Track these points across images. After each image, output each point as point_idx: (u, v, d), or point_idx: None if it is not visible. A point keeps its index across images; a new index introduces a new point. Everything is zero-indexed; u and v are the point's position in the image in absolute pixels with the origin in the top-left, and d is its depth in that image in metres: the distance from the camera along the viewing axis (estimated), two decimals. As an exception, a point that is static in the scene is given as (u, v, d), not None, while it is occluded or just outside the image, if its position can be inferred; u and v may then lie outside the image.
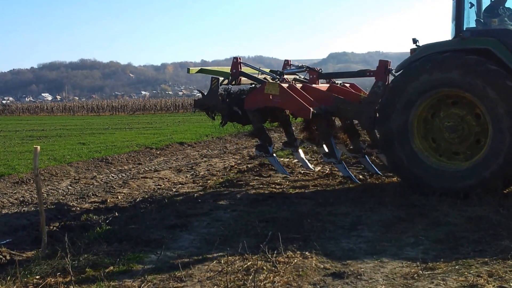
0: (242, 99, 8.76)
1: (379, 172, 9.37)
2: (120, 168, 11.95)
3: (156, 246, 5.59)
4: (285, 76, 9.24)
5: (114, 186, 9.58)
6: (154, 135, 20.13)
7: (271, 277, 4.55)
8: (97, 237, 5.86)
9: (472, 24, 8.11)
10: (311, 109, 8.02)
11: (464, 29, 7.88)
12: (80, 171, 11.53)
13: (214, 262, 5.10)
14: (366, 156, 9.51)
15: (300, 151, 9.56)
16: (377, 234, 5.89)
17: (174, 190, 9.17)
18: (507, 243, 5.18)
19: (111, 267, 4.98)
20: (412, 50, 8.15)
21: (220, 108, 8.92)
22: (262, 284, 4.41)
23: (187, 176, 10.59)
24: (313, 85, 9.19)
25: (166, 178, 10.36)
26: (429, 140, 7.86)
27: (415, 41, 8.12)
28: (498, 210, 6.34)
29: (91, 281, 4.69)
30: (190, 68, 9.54)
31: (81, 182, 10.17)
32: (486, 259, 4.84)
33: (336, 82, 9.81)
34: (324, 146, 8.79)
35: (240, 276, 4.63)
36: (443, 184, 7.39)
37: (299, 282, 4.50)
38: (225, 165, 11.78)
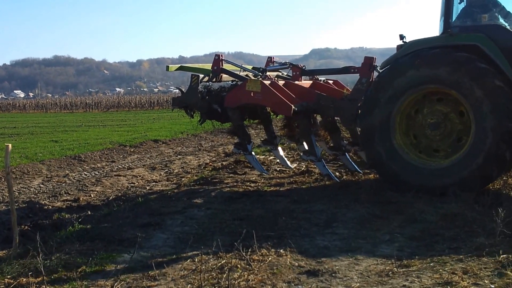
0: (222, 96, 8.68)
1: (358, 169, 9.39)
2: (93, 166, 11.79)
3: (129, 245, 5.51)
4: (268, 73, 9.20)
5: (87, 184, 9.45)
6: (128, 132, 19.95)
7: (246, 275, 4.52)
8: (69, 236, 5.77)
9: (461, 20, 8.04)
10: (292, 106, 7.99)
11: (453, 25, 7.85)
12: (53, 169, 11.35)
13: (188, 260, 5.05)
14: (346, 153, 9.52)
15: (280, 149, 9.55)
16: (352, 232, 5.89)
17: (147, 188, 9.08)
18: (482, 240, 5.22)
19: (84, 267, 4.90)
20: (399, 46, 8.10)
21: (199, 106, 8.84)
22: (236, 282, 4.38)
23: (161, 174, 10.50)
24: (296, 82, 9.15)
25: (139, 176, 10.26)
26: (410, 136, 7.85)
27: (402, 37, 8.05)
28: (474, 207, 6.39)
29: (63, 281, 4.62)
30: (170, 65, 9.46)
31: (54, 180, 10.01)
32: (461, 256, 4.86)
33: (319, 78, 9.79)
34: (304, 143, 8.77)
35: (214, 275, 4.59)
36: (420, 181, 7.40)
37: (273, 280, 4.48)
38: (200, 163, 11.71)
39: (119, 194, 8.57)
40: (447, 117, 7.62)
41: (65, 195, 8.65)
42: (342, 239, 5.62)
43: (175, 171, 10.79)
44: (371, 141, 7.86)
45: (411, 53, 7.72)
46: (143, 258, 5.15)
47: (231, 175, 9.65)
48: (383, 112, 7.74)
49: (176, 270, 4.82)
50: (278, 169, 10.03)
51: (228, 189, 8.51)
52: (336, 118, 9.26)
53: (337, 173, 9.28)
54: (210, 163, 11.33)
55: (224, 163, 11.04)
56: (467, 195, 6.84)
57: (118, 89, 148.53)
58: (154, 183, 9.57)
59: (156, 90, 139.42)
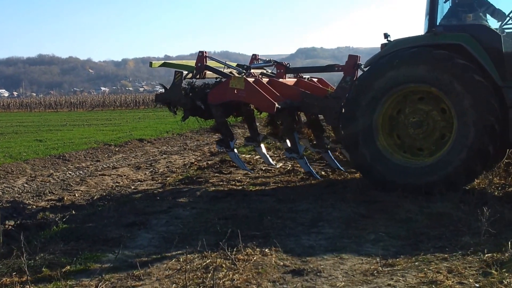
0: (206, 93, 8.66)
1: (341, 168, 9.41)
2: (78, 165, 11.71)
3: (114, 244, 5.46)
4: (252, 71, 9.18)
5: (71, 184, 9.38)
6: (113, 131, 19.83)
7: (231, 275, 4.51)
8: (53, 236, 5.72)
9: (446, 19, 8.08)
10: (276, 104, 7.99)
11: (438, 24, 7.88)
12: (37, 168, 11.25)
13: (173, 260, 5.02)
14: (329, 151, 9.54)
15: (262, 146, 9.54)
16: (338, 231, 5.89)
17: (132, 187, 9.03)
18: (467, 239, 5.24)
19: (68, 267, 4.85)
20: (383, 45, 8.11)
21: (182, 103, 8.80)
22: (221, 282, 4.36)
23: (146, 173, 10.45)
24: (280, 80, 9.15)
25: (124, 175, 10.20)
26: (394, 136, 7.87)
27: (386, 36, 8.06)
28: (459, 206, 6.41)
29: (47, 280, 4.57)
30: (153, 62, 9.40)
31: (38, 179, 9.92)
32: (446, 255, 4.87)
33: (304, 76, 9.80)
34: (287, 141, 8.78)
35: (199, 274, 4.57)
36: (406, 180, 7.41)
37: (258, 280, 4.46)
38: (185, 162, 11.68)
39: (104, 194, 8.51)
40: (429, 115, 7.65)
41: (49, 194, 8.57)
42: (327, 239, 5.62)
43: (160, 170, 10.74)
44: (355, 144, 7.86)
45: (391, 53, 7.75)
46: (127, 258, 5.10)
47: (216, 174, 9.63)
48: (366, 115, 7.74)
49: (161, 270, 4.79)
50: (263, 168, 10.02)
51: (213, 188, 8.48)
52: (320, 116, 9.28)
53: (322, 172, 9.29)
54: (196, 163, 11.29)
55: (209, 162, 11.01)
56: (453, 194, 6.88)
57: (103, 88, 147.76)
58: (139, 182, 9.52)
59: (141, 89, 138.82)
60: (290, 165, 10.07)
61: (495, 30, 7.77)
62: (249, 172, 9.38)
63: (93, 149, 14.15)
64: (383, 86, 7.64)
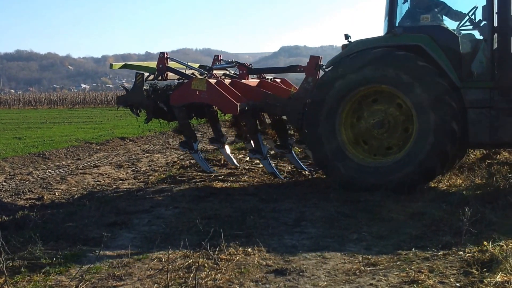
0: (168, 95, 8.63)
1: (305, 167, 9.48)
2: (58, 163, 11.58)
3: (95, 244, 5.40)
4: (214, 72, 9.18)
5: (51, 182, 9.27)
6: (94, 129, 19.65)
7: (213, 275, 4.49)
8: (32, 236, 5.61)
9: (405, 21, 8.20)
10: (238, 105, 7.99)
11: (397, 25, 7.99)
12: (16, 166, 11.10)
13: (155, 260, 4.99)
14: (293, 152, 9.59)
15: (227, 147, 9.56)
16: (321, 230, 5.91)
17: (114, 186, 8.95)
18: (448, 239, 5.28)
19: (48, 267, 4.79)
20: (344, 46, 8.20)
21: (145, 105, 8.75)
22: (203, 281, 4.34)
23: (128, 172, 10.37)
24: (243, 81, 9.16)
25: (106, 174, 10.11)
26: (361, 143, 7.94)
27: (347, 36, 8.16)
28: (441, 206, 6.46)
29: (26, 281, 4.51)
30: (113, 63, 9.39)
31: (17, 178, 9.79)
32: (428, 255, 4.91)
33: (267, 77, 9.81)
34: (251, 141, 8.80)
35: (181, 274, 4.54)
36: (384, 178, 7.48)
37: (241, 279, 4.45)
38: (168, 161, 11.62)
39: (85, 193, 8.42)
40: (387, 112, 7.75)
41: (28, 193, 8.46)
42: (310, 238, 5.63)
43: (142, 169, 10.67)
44: (325, 157, 7.89)
45: (335, 64, 7.90)
46: (108, 258, 5.06)
47: (199, 173, 9.59)
48: (328, 135, 7.82)
49: (143, 270, 4.75)
50: (247, 167, 10.00)
51: (196, 187, 8.44)
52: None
53: (307, 172, 9.31)
54: (178, 161, 11.25)
55: (192, 161, 10.93)
56: (434, 194, 6.95)
57: (83, 85, 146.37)
58: (120, 181, 9.44)
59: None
60: (273, 165, 10.06)
61: (453, 31, 7.93)
62: (212, 173, 9.34)
63: (74, 147, 13.99)
64: (336, 97, 7.76)
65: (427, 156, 7.31)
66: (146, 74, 8.91)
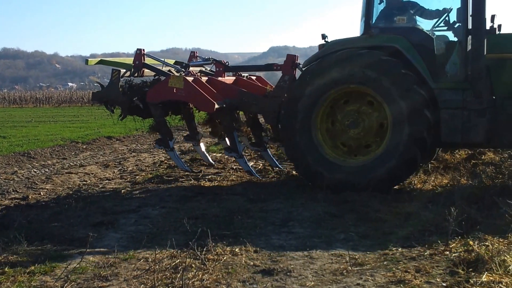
0: (144, 92, 8.58)
1: (279, 166, 9.52)
2: (43, 163, 11.48)
3: (80, 244, 5.36)
4: (191, 69, 9.16)
5: (37, 182, 9.18)
6: (81, 128, 19.51)
7: (200, 275, 4.47)
8: (17, 236, 5.57)
9: (381, 22, 8.28)
10: (215, 104, 7.99)
11: (373, 26, 8.05)
12: (0, 165, 10.99)
13: (142, 260, 4.96)
14: (268, 150, 9.62)
15: (202, 145, 9.55)
16: (308, 230, 5.91)
17: (100, 186, 8.89)
18: (434, 238, 5.31)
19: (32, 267, 4.76)
20: (321, 46, 8.25)
21: (120, 101, 8.70)
22: (190, 282, 4.32)
23: (114, 172, 10.31)
24: (219, 78, 9.16)
25: (92, 174, 10.04)
26: (339, 146, 7.99)
27: (324, 36, 8.21)
28: (427, 206, 6.49)
29: (11, 281, 4.46)
30: (89, 59, 9.31)
31: (1, 177, 9.69)
32: (414, 255, 4.93)
33: (243, 75, 9.82)
34: (227, 139, 8.79)
35: (168, 274, 4.52)
36: (369, 175, 7.51)
37: (228, 280, 4.44)
38: (155, 160, 11.56)
39: (70, 192, 8.35)
40: (360, 111, 7.83)
41: (13, 193, 8.37)
42: (297, 238, 5.63)
43: (129, 168, 10.61)
44: (305, 162, 7.92)
45: (305, 68, 7.97)
46: (94, 258, 5.03)
47: (186, 173, 9.54)
48: (305, 144, 7.86)
49: (129, 270, 4.72)
50: (234, 167, 9.97)
51: (183, 187, 8.41)
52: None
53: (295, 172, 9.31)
54: (165, 161, 11.19)
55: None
56: (421, 195, 6.98)
57: (70, 84, 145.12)
58: (107, 181, 9.38)
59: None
60: (261, 164, 10.06)
61: (428, 32, 8.02)
62: (188, 172, 9.30)
63: (60, 147, 13.89)
64: (307, 105, 7.82)
65: (406, 147, 7.38)
66: (123, 70, 8.84)
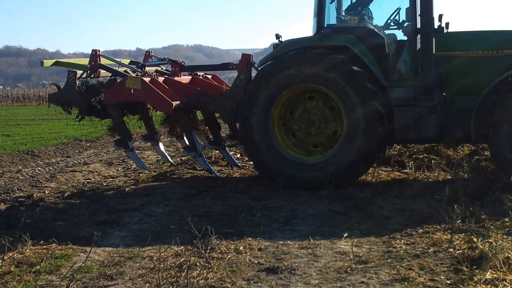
0: (101, 92, 8.60)
1: (238, 164, 9.61)
2: (48, 161, 11.51)
3: (86, 243, 5.40)
4: (147, 69, 9.17)
5: (41, 180, 9.20)
6: (84, 126, 19.27)
7: (205, 273, 4.49)
8: (22, 235, 5.59)
9: (333, 21, 8.40)
10: (173, 104, 8.03)
11: (325, 26, 8.15)
12: (4, 164, 11.02)
13: (146, 259, 4.99)
14: (226, 148, 9.67)
15: (161, 144, 9.57)
16: (312, 228, 5.92)
17: (104, 184, 8.91)
18: (438, 235, 5.31)
19: (38, 266, 4.79)
20: (275, 46, 8.34)
21: (77, 103, 8.70)
22: (195, 280, 4.34)
23: (118, 170, 10.34)
24: (176, 78, 9.19)
25: (96, 172, 10.06)
26: (301, 146, 8.09)
27: (278, 36, 8.31)
28: (431, 203, 6.48)
29: (17, 281, 4.49)
30: (44, 61, 9.31)
31: (5, 176, 9.72)
32: (418, 252, 4.94)
33: (198, 74, 9.86)
34: (185, 139, 8.80)
35: (173, 273, 4.55)
36: (335, 168, 7.61)
37: (232, 278, 4.46)
38: (159, 158, 11.55)
39: (75, 191, 8.38)
40: (312, 111, 7.96)
41: (18, 191, 8.40)
42: (301, 236, 5.64)
43: (133, 166, 10.61)
44: (264, 163, 8.01)
45: (284, 53, 7.96)
46: (99, 257, 5.06)
47: (190, 170, 9.57)
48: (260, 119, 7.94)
49: (134, 269, 4.75)
50: (238, 164, 9.98)
51: (187, 185, 8.43)
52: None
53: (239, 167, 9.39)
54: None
55: (183, 158, 10.91)
56: (425, 192, 6.99)
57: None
58: (111, 179, 9.40)
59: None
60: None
61: (379, 32, 8.13)
62: (148, 171, 9.36)
63: (63, 145, 13.93)
64: (263, 105, 7.91)
65: (368, 125, 7.47)
66: (79, 72, 8.85)
